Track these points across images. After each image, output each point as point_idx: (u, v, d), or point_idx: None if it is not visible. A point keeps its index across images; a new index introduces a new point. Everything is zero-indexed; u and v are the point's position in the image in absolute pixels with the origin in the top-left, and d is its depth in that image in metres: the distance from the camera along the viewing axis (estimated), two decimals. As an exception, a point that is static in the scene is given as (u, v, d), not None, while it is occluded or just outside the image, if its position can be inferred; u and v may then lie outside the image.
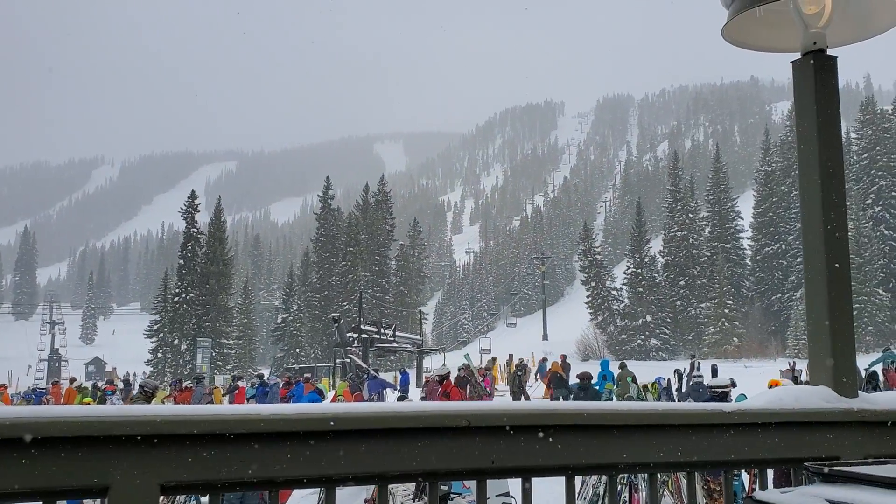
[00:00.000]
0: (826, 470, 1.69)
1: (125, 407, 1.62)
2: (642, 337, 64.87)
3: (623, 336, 65.90)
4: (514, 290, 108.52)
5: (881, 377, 16.47)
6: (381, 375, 35.58)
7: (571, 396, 21.65)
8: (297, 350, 69.89)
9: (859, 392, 2.18)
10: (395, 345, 49.04)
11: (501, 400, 26.29)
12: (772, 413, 2.00)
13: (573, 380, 20.24)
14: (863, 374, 16.84)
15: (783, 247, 63.63)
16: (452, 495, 6.53)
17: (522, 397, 25.60)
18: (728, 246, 68.56)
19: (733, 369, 34.93)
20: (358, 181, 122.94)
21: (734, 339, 58.69)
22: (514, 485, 2.02)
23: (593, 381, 16.72)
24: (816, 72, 2.23)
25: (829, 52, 2.28)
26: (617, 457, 1.89)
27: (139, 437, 1.50)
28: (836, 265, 2.19)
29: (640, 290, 67.25)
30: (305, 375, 34.61)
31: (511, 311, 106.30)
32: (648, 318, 65.45)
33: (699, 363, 28.66)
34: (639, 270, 68.56)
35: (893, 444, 2.12)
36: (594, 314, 70.36)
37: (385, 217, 77.74)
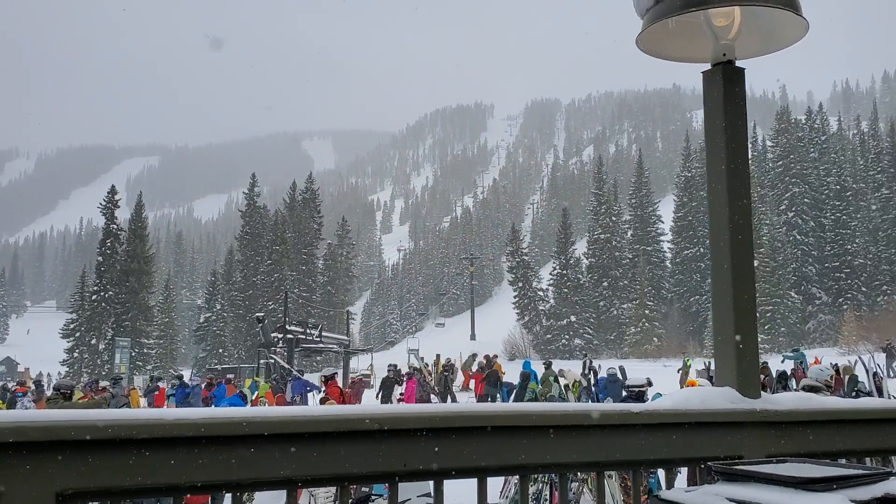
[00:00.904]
0: (727, 469, 1.74)
1: (19, 412, 1.55)
2: (567, 337, 66.01)
3: (548, 336, 66.92)
4: (443, 291, 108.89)
5: (789, 375, 17.13)
6: (307, 376, 35.16)
7: (499, 397, 21.89)
8: (220, 350, 68.42)
9: (762, 393, 2.26)
10: (321, 345, 48.50)
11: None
12: (678, 413, 2.05)
13: (517, 379, 20.49)
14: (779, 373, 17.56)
15: (702, 250, 65.69)
16: (374, 496, 6.50)
17: (449, 398, 25.70)
18: (649, 249, 70.43)
19: (652, 368, 35.91)
20: (285, 178, 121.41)
21: (654, 338, 60.29)
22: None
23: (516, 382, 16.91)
24: (725, 82, 2.30)
25: (738, 63, 2.36)
26: (529, 458, 1.91)
27: (34, 443, 1.43)
28: (742, 269, 2.26)
29: (566, 290, 68.44)
30: (228, 376, 33.86)
31: (440, 312, 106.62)
32: (573, 318, 66.66)
33: (590, 361, 29.19)
34: (564, 272, 69.75)
35: (793, 443, 2.20)
36: (521, 314, 71.22)
37: (313, 215, 76.84)
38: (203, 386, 24.39)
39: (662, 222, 72.41)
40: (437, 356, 39.38)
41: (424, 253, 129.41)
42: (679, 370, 31.60)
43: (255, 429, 1.60)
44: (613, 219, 72.19)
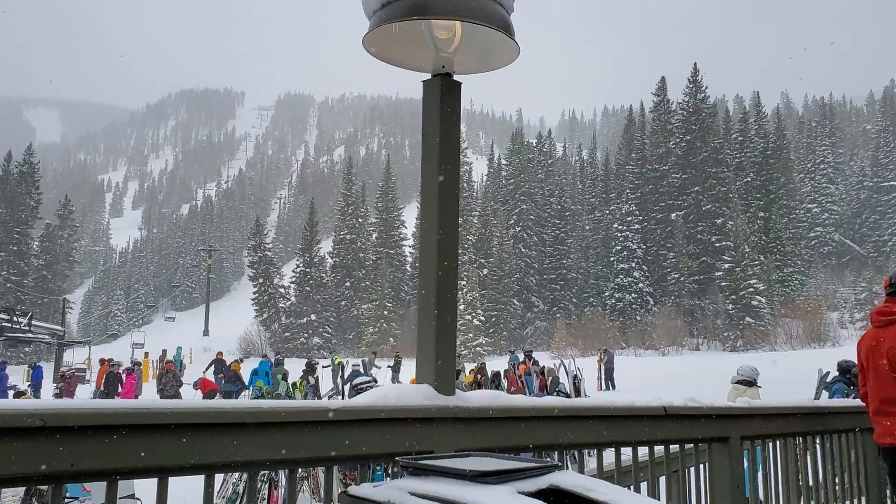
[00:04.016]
0: (410, 463, 1.80)
1: None
2: (306, 335, 65.72)
3: (287, 334, 66.17)
4: (177, 283, 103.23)
5: (503, 378, 18.48)
6: (12, 368, 31.47)
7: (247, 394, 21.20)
8: None
9: (457, 390, 2.37)
10: (30, 335, 43.72)
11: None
12: (373, 410, 2.09)
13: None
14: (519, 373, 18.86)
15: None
16: (68, 499, 5.93)
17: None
18: (392, 252, 72.40)
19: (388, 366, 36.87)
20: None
21: (391, 338, 62.00)
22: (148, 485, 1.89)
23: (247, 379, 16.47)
24: (443, 93, 2.40)
25: (456, 77, 2.47)
26: (226, 456, 1.85)
27: None
28: (446, 274, 2.36)
29: (308, 289, 68.15)
30: None
31: (171, 305, 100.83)
32: (313, 316, 66.54)
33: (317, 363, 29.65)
34: (308, 270, 69.43)
35: (481, 438, 2.34)
36: (260, 311, 69.68)
37: (30, 191, 69.02)
38: None
39: (406, 227, 74.83)
40: (164, 352, 37.23)
41: (158, 241, 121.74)
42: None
43: None
44: (360, 220, 73.32)
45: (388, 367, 33.27)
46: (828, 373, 16.25)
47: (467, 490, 1.65)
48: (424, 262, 2.40)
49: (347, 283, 69.56)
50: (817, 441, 4.50)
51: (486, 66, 2.54)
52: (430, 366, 2.33)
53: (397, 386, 2.34)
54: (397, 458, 1.86)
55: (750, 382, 9.77)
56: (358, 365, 27.21)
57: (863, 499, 4.78)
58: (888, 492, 4.65)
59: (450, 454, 2.06)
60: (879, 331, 4.20)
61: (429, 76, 2.46)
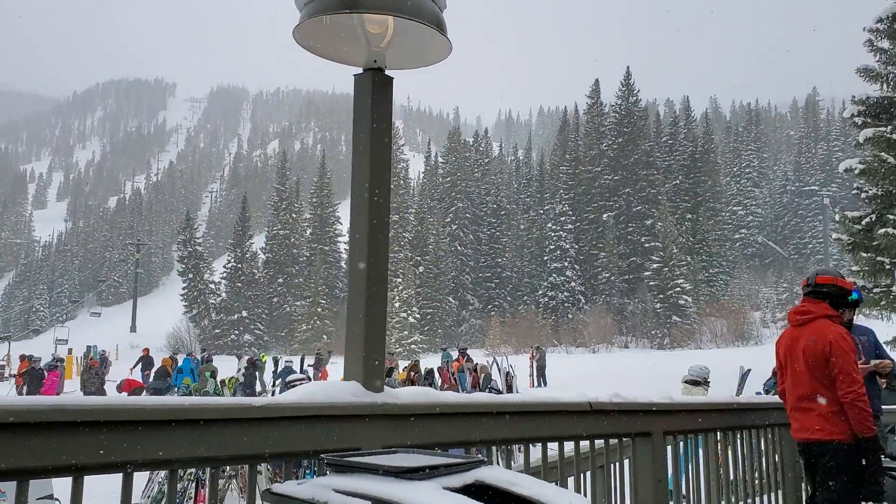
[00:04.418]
0: (335, 460, 1.79)
1: None
2: (236, 332, 64.60)
3: (217, 330, 64.92)
4: (103, 277, 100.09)
5: (437, 375, 18.54)
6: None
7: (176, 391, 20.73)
8: None
9: (385, 387, 2.36)
10: (-57, 331, 41.81)
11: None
12: (300, 407, 2.06)
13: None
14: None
15: (375, 253, 68.50)
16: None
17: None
18: (326, 248, 71.76)
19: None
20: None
21: (324, 336, 61.48)
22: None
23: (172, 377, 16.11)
24: (374, 88, 2.39)
25: (389, 72, 2.46)
26: (146, 454, 1.80)
27: None
28: (375, 271, 2.35)
29: (239, 285, 67.01)
30: None
31: (97, 300, 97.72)
32: (245, 313, 65.44)
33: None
34: (239, 265, 68.25)
35: (409, 435, 2.34)
36: (189, 307, 68.19)
37: (-55, 181, 65.97)
38: None
39: (341, 224, 74.24)
40: (88, 348, 36.10)
41: (84, 234, 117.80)
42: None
43: None
44: (294, 216, 72.43)
45: (309, 365, 32.65)
46: (749, 370, 16.83)
47: (392, 486, 1.65)
48: (354, 258, 2.38)
49: (280, 280, 68.65)
50: (738, 436, 4.65)
51: (418, 62, 2.54)
52: (358, 363, 2.32)
53: (325, 383, 2.32)
54: (322, 456, 1.84)
55: (698, 382, 10.06)
56: (291, 362, 26.83)
57: (779, 492, 4.96)
58: (804, 485, 4.83)
59: (377, 451, 2.05)
60: (797, 329, 4.35)
61: (360, 70, 2.44)
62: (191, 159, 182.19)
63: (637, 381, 19.36)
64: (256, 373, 23.12)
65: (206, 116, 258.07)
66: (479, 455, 2.30)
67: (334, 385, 2.26)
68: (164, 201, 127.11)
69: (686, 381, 10.31)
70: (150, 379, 23.94)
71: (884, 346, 5.77)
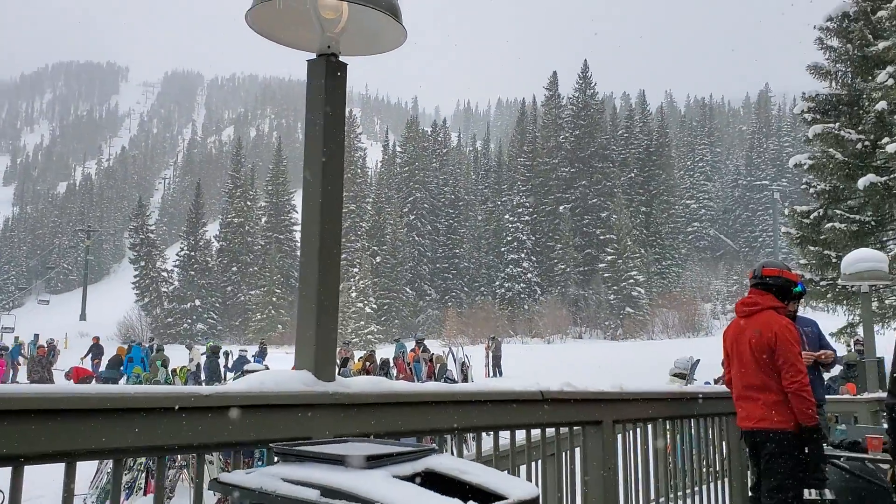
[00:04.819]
0: (285, 449, 1.77)
1: None
2: (189, 321, 63.68)
3: (169, 319, 63.92)
4: (52, 264, 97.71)
5: (392, 366, 18.54)
6: None
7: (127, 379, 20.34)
8: None
9: (337, 376, 2.35)
10: None
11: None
12: (250, 396, 2.04)
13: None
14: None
15: (331, 242, 68.10)
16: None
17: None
18: (282, 237, 71.08)
19: (276, 355, 36.26)
20: None
21: (279, 325, 60.96)
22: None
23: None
24: (328, 74, 2.36)
25: (343, 58, 2.43)
26: (89, 443, 1.77)
27: None
28: (328, 259, 2.33)
29: (192, 273, 66.03)
30: None
31: (46, 287, 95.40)
32: (198, 302, 64.53)
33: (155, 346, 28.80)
34: (192, 253, 67.23)
35: (361, 424, 2.33)
36: (141, 295, 67.03)
37: None
38: None
39: (297, 212, 73.44)
40: (36, 336, 35.25)
41: (33, 220, 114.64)
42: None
43: None
44: (249, 203, 71.55)
45: (252, 355, 32.18)
46: (698, 360, 17.15)
47: (341, 475, 1.64)
48: (306, 246, 2.36)
49: (234, 268, 67.83)
50: (688, 424, 4.75)
51: (373, 49, 2.52)
52: (309, 352, 2.30)
53: (276, 372, 2.30)
54: (271, 445, 1.82)
55: (684, 374, 9.95)
56: (245, 351, 26.52)
57: (726, 480, 5.08)
58: (749, 473, 4.94)
59: (327, 440, 2.04)
60: (743, 320, 4.45)
61: (314, 56, 2.41)
62: (144, 145, 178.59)
63: (590, 372, 19.62)
64: (219, 361, 22.82)
65: (159, 101, 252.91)
66: (431, 444, 2.31)
67: (285, 374, 2.24)
68: (115, 187, 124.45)
69: (673, 375, 10.27)
70: (101, 368, 23.46)
71: (827, 337, 5.94)
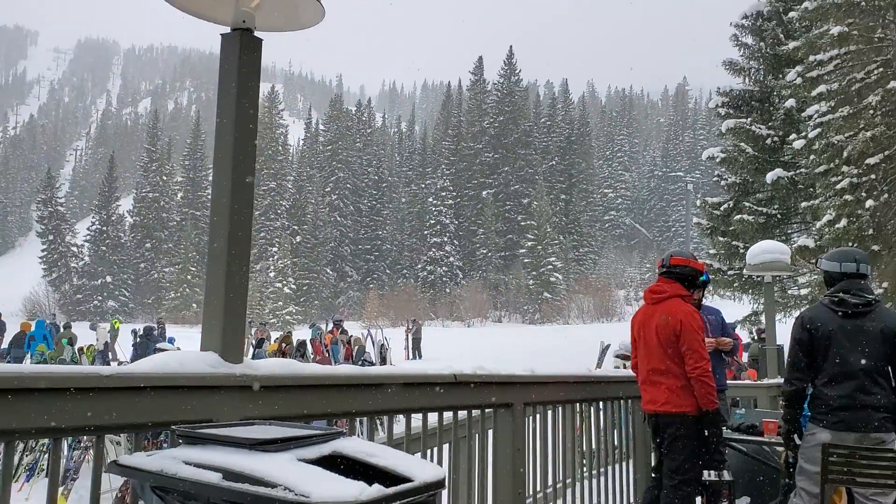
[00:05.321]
0: (187, 432, 1.74)
1: None
2: (100, 298, 61.55)
3: (79, 296, 61.65)
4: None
5: (309, 347, 18.39)
6: None
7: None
8: None
9: (245, 358, 2.31)
10: None
11: None
12: (153, 377, 1.99)
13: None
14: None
15: (251, 221, 66.80)
16: None
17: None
18: (198, 213, 69.29)
19: (189, 334, 35.41)
20: None
21: (194, 304, 59.54)
22: None
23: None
24: (242, 49, 2.30)
25: (258, 34, 2.37)
26: None
27: None
28: (237, 237, 2.29)
29: (104, 248, 63.76)
30: None
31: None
32: (109, 278, 62.41)
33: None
34: (104, 228, 64.92)
35: (270, 407, 2.30)
36: (49, 270, 64.34)
37: None
38: None
39: (212, 188, 71.79)
40: (-69, 312, 33.38)
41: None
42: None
43: None
44: (164, 178, 69.40)
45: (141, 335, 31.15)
46: (608, 345, 17.64)
47: (245, 458, 1.62)
48: (215, 224, 2.31)
49: (148, 245, 65.80)
50: (598, 407, 4.88)
51: (290, 25, 2.47)
52: (216, 332, 2.26)
53: (181, 352, 2.24)
54: (174, 427, 1.78)
55: (627, 356, 10.21)
56: (153, 328, 25.68)
57: (630, 461, 5.25)
58: (652, 454, 5.12)
59: (233, 423, 2.01)
60: (651, 307, 4.59)
61: (228, 30, 2.34)
62: (54, 114, 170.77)
63: (508, 355, 19.92)
64: (150, 342, 22.02)
65: (71, 69, 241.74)
66: (341, 428, 2.30)
67: (190, 355, 2.19)
68: (22, 157, 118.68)
69: (616, 356, 10.43)
70: (2, 345, 22.41)
71: (730, 325, 6.19)
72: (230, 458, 1.64)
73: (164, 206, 67.84)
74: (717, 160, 20.26)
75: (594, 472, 4.76)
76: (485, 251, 61.49)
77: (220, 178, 2.31)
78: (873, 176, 14.85)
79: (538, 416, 4.08)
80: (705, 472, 4.34)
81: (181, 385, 2.05)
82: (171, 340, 25.31)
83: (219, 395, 2.16)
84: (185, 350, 2.35)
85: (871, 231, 15.11)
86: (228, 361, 2.23)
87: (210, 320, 2.28)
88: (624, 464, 5.17)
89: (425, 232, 61.46)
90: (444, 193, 61.68)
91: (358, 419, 3.16)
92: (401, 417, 3.11)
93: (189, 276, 61.72)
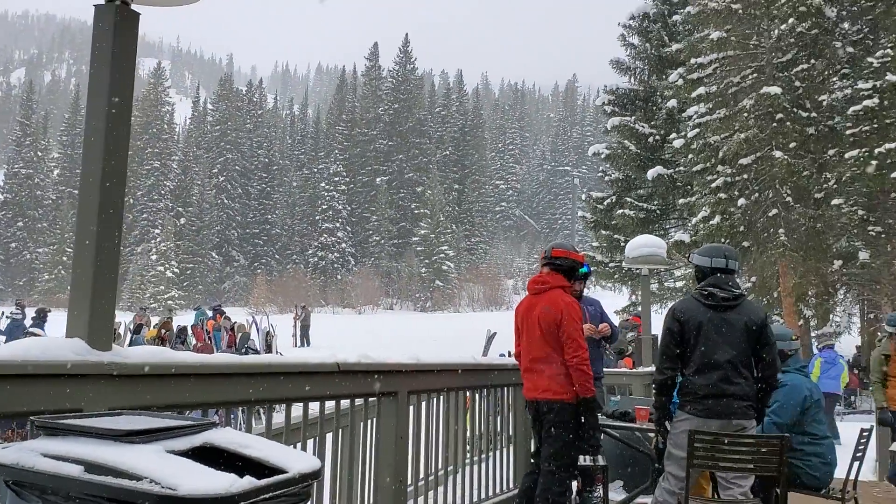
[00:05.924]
0: (47, 422, 1.65)
1: None
2: (-37, 279, 57.57)
3: (-62, 277, 57.43)
4: None
5: (190, 334, 17.85)
6: None
7: None
8: None
9: (114, 346, 2.21)
10: None
11: None
12: (12, 365, 1.88)
13: None
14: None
15: (130, 200, 63.97)
16: None
17: None
18: (76, 192, 65.46)
19: (63, 318, 33.68)
20: None
21: (69, 287, 56.64)
22: None
23: None
24: (118, 22, 2.19)
25: (135, 7, 2.26)
26: None
27: None
28: (108, 217, 2.18)
29: (-32, 226, 59.62)
30: None
31: None
32: (-27, 258, 58.44)
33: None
34: (-31, 205, 60.64)
35: (140, 397, 2.21)
36: None
37: None
38: None
39: (93, 166, 68.26)
40: None
41: None
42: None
43: None
44: (39, 154, 65.41)
45: (32, 318, 29.36)
46: (495, 333, 17.99)
47: (109, 450, 1.56)
48: (84, 203, 2.20)
49: (20, 223, 61.94)
50: (482, 394, 4.96)
51: (171, 1, 2.37)
52: (83, 318, 2.15)
53: (44, 339, 2.13)
54: (32, 418, 1.69)
55: None
56: (19, 314, 24.10)
57: (511, 447, 5.37)
58: (532, 440, 5.26)
59: (98, 413, 1.93)
60: (534, 297, 4.70)
61: (102, 2, 2.22)
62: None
63: (398, 343, 19.97)
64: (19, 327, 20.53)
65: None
66: (214, 418, 2.24)
67: (54, 341, 2.08)
68: None
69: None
70: None
71: (610, 314, 6.42)
72: (93, 449, 1.57)
73: (38, 183, 64.00)
74: (602, 156, 20.96)
75: (476, 458, 4.85)
76: (377, 238, 61.33)
77: (90, 155, 2.20)
78: (746, 176, 15.75)
79: (423, 403, 4.11)
80: (581, 458, 4.49)
81: (42, 373, 1.95)
82: (40, 325, 23.85)
83: (86, 385, 2.06)
84: (52, 336, 2.23)
85: (742, 228, 16.04)
86: (96, 349, 2.13)
87: (77, 304, 2.17)
88: (505, 450, 5.29)
89: (317, 217, 60.65)
90: (337, 179, 61.02)
91: (236, 409, 3.09)
92: (282, 407, 3.06)
93: (65, 258, 58.46)
